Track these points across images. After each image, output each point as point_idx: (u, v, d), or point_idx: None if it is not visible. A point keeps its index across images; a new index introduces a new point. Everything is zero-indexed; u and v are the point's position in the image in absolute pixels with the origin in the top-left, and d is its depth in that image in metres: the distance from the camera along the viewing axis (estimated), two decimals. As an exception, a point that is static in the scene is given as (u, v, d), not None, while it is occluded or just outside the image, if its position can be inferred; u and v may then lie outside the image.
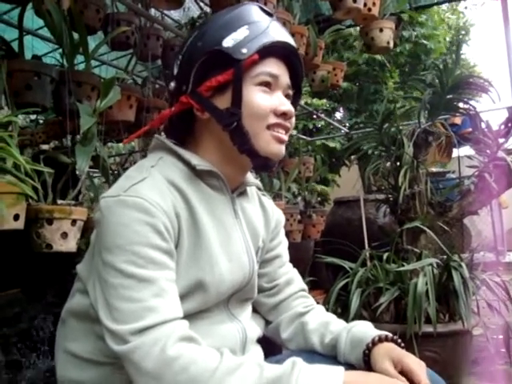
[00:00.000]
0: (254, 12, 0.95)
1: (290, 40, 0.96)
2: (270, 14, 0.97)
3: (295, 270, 1.19)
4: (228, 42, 0.90)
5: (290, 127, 0.97)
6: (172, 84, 0.98)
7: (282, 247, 1.18)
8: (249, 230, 1.03)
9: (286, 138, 0.96)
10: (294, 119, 0.99)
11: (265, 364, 0.79)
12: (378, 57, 5.28)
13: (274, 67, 0.94)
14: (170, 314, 0.80)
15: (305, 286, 1.19)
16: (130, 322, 0.78)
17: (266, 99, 0.93)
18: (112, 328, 0.79)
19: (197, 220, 0.90)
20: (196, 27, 1.03)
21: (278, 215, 1.17)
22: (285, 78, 0.97)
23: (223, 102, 0.92)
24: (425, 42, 5.72)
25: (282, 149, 0.96)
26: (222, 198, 0.98)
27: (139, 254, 0.80)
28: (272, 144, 0.94)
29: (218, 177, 0.96)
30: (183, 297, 0.87)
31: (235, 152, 0.94)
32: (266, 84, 0.93)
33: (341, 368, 0.79)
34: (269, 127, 0.93)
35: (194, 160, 0.94)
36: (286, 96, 0.98)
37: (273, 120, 0.93)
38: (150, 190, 0.85)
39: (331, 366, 0.80)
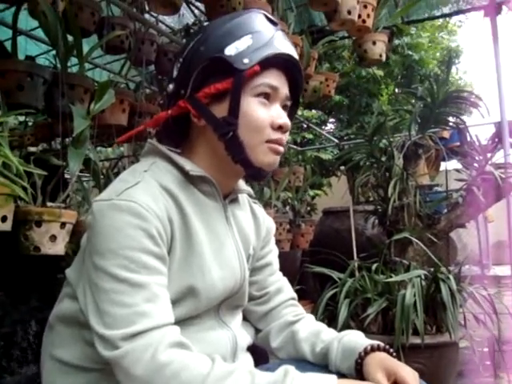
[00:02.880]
0: (259, 21, 0.94)
1: (293, 52, 0.95)
2: (274, 23, 0.96)
3: (285, 279, 1.19)
4: (230, 51, 0.89)
5: (285, 141, 0.97)
6: (170, 86, 0.97)
7: (273, 255, 1.18)
8: (240, 237, 1.03)
9: (281, 149, 0.96)
10: (288, 132, 0.98)
11: (256, 371, 0.78)
12: (371, 71, 5.32)
13: (274, 79, 0.93)
14: (162, 319, 0.79)
15: (294, 295, 1.18)
16: (122, 327, 0.77)
17: (264, 112, 0.92)
18: (103, 333, 0.78)
19: (189, 226, 0.90)
20: (199, 30, 1.02)
21: (268, 223, 1.17)
22: (284, 90, 0.96)
23: (221, 110, 0.91)
24: (411, 53, 5.77)
25: (277, 159, 0.96)
26: (214, 205, 0.97)
27: (131, 259, 0.79)
28: (268, 155, 0.94)
29: (210, 183, 0.95)
30: (174, 303, 0.86)
31: (229, 161, 0.94)
32: (265, 95, 0.93)
33: (333, 376, 0.79)
34: (267, 142, 0.93)
35: (188, 166, 0.93)
36: (284, 107, 0.97)
37: (271, 136, 0.93)
38: (144, 195, 0.84)
39: (324, 374, 0.79)
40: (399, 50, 5.70)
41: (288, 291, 1.17)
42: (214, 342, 0.92)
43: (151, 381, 0.74)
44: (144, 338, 0.76)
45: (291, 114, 1.02)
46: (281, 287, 1.15)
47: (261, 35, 0.91)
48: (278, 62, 0.93)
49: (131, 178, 0.89)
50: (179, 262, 0.88)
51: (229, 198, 1.02)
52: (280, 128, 0.94)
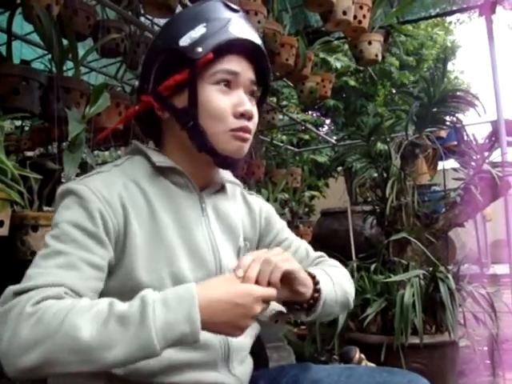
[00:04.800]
0: (216, 9, 0.93)
1: (252, 36, 0.93)
2: (234, 10, 0.94)
3: (303, 242, 1.15)
4: (184, 41, 0.89)
5: (251, 129, 0.95)
6: (137, 83, 0.98)
7: (282, 233, 1.13)
8: (222, 228, 1.01)
9: (248, 136, 0.94)
10: (256, 119, 0.96)
11: (116, 302, 0.73)
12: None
13: (233, 64, 0.92)
14: (59, 280, 0.77)
15: (320, 253, 1.15)
16: (22, 282, 0.76)
17: (224, 99, 0.91)
18: (7, 289, 0.76)
19: (156, 216, 0.90)
20: (162, 25, 1.02)
21: (266, 211, 1.13)
22: (247, 75, 0.94)
23: (181, 101, 0.92)
24: (409, 58, 5.81)
25: (243, 146, 0.94)
26: (187, 196, 0.96)
27: (64, 231, 0.82)
28: (232, 143, 0.92)
29: (181, 174, 0.95)
30: None
31: (195, 150, 0.94)
32: (225, 82, 0.92)
33: (191, 286, 0.76)
34: (231, 130, 0.92)
35: (155, 157, 0.94)
36: (250, 93, 0.96)
37: (234, 124, 0.91)
38: (97, 181, 0.87)
39: (182, 289, 0.75)
40: (398, 54, 5.72)
41: (312, 252, 1.14)
42: (201, 347, 0.87)
43: (17, 332, 0.70)
44: (29, 293, 0.74)
45: (262, 99, 1.02)
46: (306, 253, 1.13)
47: (215, 23, 0.90)
48: (237, 47, 0.91)
49: (98, 169, 0.93)
50: (146, 253, 0.87)
51: (208, 189, 1.00)
52: (242, 115, 0.92)
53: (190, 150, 0.94)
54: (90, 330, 0.68)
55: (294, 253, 1.09)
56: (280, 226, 1.15)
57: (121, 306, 0.72)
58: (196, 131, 0.91)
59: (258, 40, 0.94)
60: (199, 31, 0.89)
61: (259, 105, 1.01)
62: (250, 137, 0.95)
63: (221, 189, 1.04)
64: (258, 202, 1.13)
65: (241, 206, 1.09)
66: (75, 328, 0.68)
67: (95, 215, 0.83)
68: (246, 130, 0.93)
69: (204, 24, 0.89)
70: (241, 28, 0.92)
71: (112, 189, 0.87)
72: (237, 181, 1.09)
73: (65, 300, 0.74)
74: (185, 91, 0.91)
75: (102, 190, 0.86)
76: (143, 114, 0.98)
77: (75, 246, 0.81)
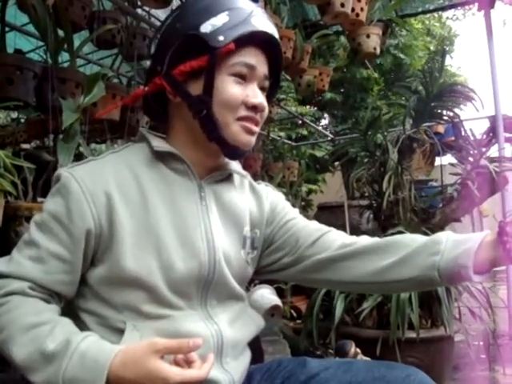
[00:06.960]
0: None
1: (272, 30, 0.93)
2: (254, 0, 0.94)
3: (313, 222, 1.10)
4: (206, 28, 0.87)
5: (259, 121, 0.95)
6: (148, 63, 0.96)
7: (290, 213, 1.09)
8: (224, 218, 0.98)
9: (256, 129, 0.94)
10: (266, 111, 0.96)
11: (56, 331, 0.79)
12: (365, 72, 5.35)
13: (251, 57, 0.92)
14: (27, 273, 0.83)
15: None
16: (2, 261, 0.85)
17: (238, 90, 0.91)
18: None
19: (147, 203, 0.89)
20: (177, 7, 1.00)
21: (272, 196, 1.10)
22: (262, 69, 0.94)
23: (196, 88, 0.90)
24: (401, 56, 5.80)
25: (252, 139, 0.94)
26: (186, 183, 0.94)
27: (44, 220, 0.86)
28: (241, 135, 0.92)
29: (181, 161, 0.94)
30: (132, 284, 0.86)
31: (204, 138, 0.93)
32: (242, 74, 0.91)
33: (116, 347, 0.77)
34: (239, 119, 0.91)
35: (155, 142, 0.93)
36: (262, 88, 0.95)
37: (243, 113, 0.91)
38: (84, 170, 0.88)
39: (108, 345, 0.78)
40: (391, 51, 5.72)
41: (325, 227, 1.08)
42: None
43: None
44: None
45: (272, 92, 1.01)
46: (319, 227, 1.07)
47: (238, 12, 0.89)
48: (255, 39, 0.91)
49: (94, 157, 0.94)
50: (133, 240, 0.86)
51: (210, 177, 0.98)
52: (254, 108, 0.92)
53: (199, 137, 0.93)
54: (22, 352, 0.77)
55: (302, 228, 1.05)
56: (289, 208, 1.11)
57: (50, 343, 0.77)
58: (209, 120, 0.90)
59: (276, 34, 0.94)
60: (222, 19, 0.88)
61: (268, 99, 1.00)
62: (258, 129, 0.95)
63: (226, 178, 1.02)
64: (265, 188, 1.11)
65: (248, 195, 1.07)
66: (13, 343, 0.78)
67: (72, 208, 0.85)
68: (253, 120, 0.93)
69: (226, 12, 0.89)
70: (262, 21, 0.92)
71: (98, 177, 0.87)
72: (246, 173, 1.07)
73: (22, 304, 0.82)
74: (200, 78, 0.90)
75: (86, 178, 0.86)
76: (151, 96, 0.98)
77: (49, 237, 0.85)
